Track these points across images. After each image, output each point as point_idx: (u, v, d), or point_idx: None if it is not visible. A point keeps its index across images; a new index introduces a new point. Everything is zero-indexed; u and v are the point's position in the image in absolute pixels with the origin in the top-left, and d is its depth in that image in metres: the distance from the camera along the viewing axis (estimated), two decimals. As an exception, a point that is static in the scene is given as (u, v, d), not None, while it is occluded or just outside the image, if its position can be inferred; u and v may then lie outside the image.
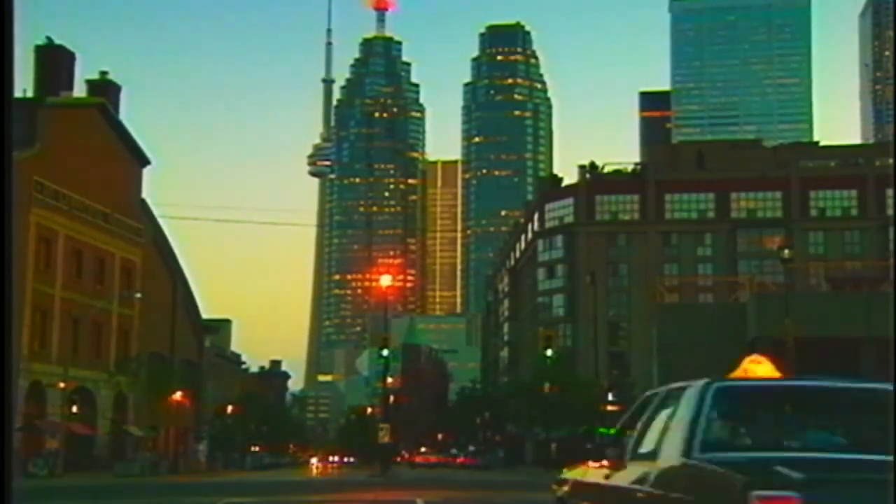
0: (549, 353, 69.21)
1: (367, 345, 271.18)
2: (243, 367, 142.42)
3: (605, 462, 7.67)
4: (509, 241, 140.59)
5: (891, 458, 5.60)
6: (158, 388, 64.27)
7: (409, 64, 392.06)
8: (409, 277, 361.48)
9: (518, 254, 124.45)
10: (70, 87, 62.87)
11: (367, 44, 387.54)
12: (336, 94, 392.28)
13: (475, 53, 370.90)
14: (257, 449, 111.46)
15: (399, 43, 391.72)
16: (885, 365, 44.79)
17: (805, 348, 41.59)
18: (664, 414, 6.91)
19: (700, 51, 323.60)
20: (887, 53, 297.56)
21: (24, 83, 59.79)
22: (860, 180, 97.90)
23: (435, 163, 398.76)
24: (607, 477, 7.50)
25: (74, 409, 57.13)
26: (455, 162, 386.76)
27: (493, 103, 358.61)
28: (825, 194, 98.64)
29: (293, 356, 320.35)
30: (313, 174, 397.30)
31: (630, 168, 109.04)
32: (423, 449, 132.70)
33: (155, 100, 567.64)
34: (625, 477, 6.97)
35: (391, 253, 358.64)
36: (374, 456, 74.42)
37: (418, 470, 78.02)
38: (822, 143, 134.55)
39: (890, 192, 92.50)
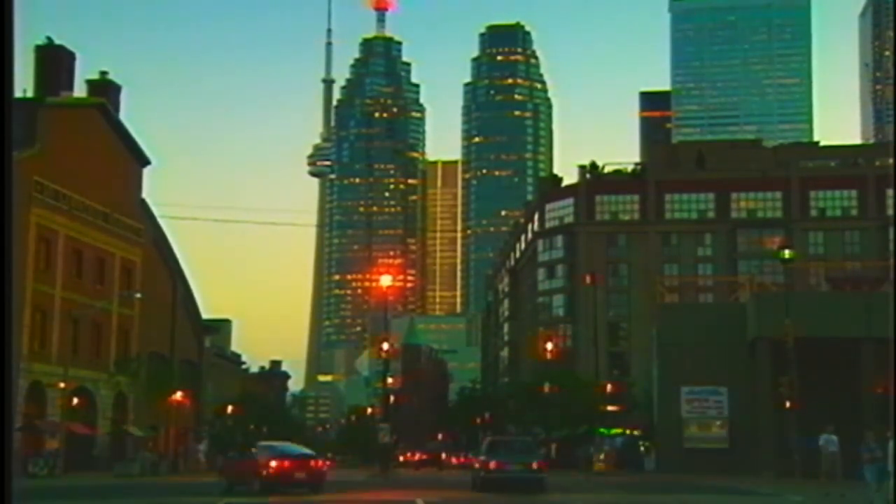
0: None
1: (367, 345, 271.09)
2: (243, 367, 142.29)
3: None
4: (509, 241, 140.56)
5: None
6: (158, 388, 64.22)
7: (409, 64, 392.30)
8: (409, 277, 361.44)
9: (518, 254, 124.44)
10: (70, 87, 62.76)
11: (367, 44, 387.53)
12: (336, 94, 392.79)
13: (475, 53, 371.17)
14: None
15: (399, 43, 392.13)
16: (885, 365, 44.84)
17: (805, 348, 41.60)
18: None
19: (700, 51, 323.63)
20: (887, 53, 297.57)
21: (24, 83, 59.74)
22: (860, 180, 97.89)
23: (435, 163, 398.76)
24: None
25: (74, 409, 57.09)
26: (455, 162, 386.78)
27: (493, 103, 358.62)
28: (825, 194, 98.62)
29: (293, 356, 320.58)
30: (313, 174, 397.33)
31: (630, 168, 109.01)
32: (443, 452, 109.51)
33: (155, 100, 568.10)
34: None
35: (391, 253, 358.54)
36: (373, 456, 74.33)
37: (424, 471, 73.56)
38: (822, 143, 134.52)
39: (890, 192, 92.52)
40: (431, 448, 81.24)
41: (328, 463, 32.49)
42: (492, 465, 29.75)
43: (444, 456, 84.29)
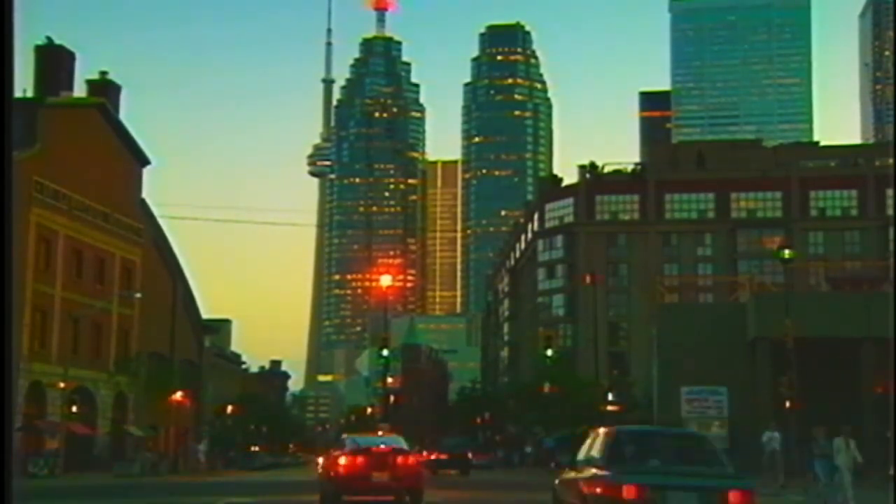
0: (549, 353, 69.19)
1: (367, 345, 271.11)
2: (243, 367, 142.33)
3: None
4: (509, 241, 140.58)
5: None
6: (158, 388, 64.25)
7: (409, 64, 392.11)
8: (409, 277, 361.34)
9: (518, 254, 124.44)
10: (70, 87, 62.76)
11: (367, 44, 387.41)
12: (336, 94, 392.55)
13: (475, 53, 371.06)
14: (257, 449, 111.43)
15: (399, 43, 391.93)
16: (885, 365, 44.83)
17: (805, 348, 41.58)
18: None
19: (700, 51, 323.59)
20: (887, 53, 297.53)
21: (24, 83, 59.73)
22: (860, 180, 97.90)
23: (435, 163, 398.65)
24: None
25: (74, 409, 57.08)
26: (455, 162, 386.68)
27: (493, 103, 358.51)
28: (825, 194, 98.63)
29: (293, 356, 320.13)
30: (313, 174, 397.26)
31: (630, 168, 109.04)
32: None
33: (155, 100, 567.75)
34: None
35: (391, 253, 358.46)
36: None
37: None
38: (822, 143, 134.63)
39: (890, 192, 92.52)
40: (453, 446, 61.78)
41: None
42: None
43: (471, 456, 64.40)
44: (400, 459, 22.14)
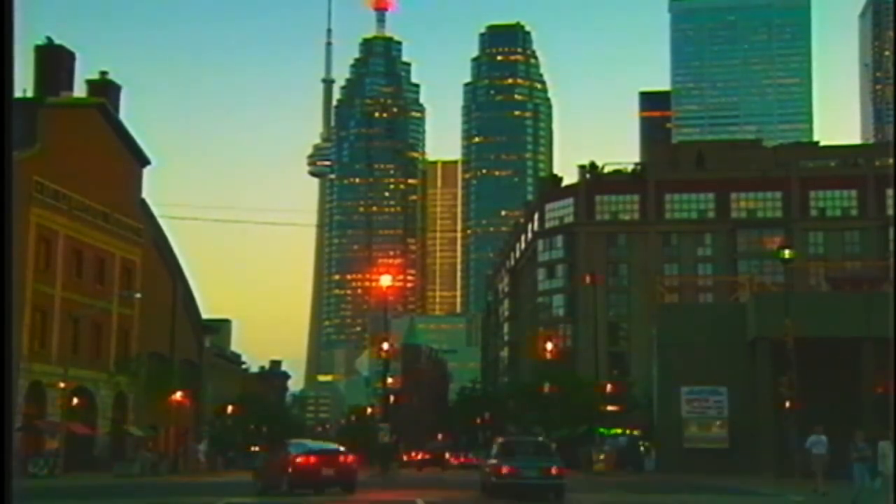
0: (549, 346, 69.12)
1: (367, 345, 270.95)
2: (243, 367, 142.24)
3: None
4: (509, 241, 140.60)
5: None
6: (158, 388, 64.17)
7: (409, 64, 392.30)
8: (409, 277, 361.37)
9: (518, 254, 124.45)
10: (70, 87, 62.73)
11: (367, 44, 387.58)
12: (336, 94, 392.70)
13: (475, 53, 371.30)
14: (257, 449, 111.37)
15: (399, 43, 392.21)
16: (885, 365, 44.84)
17: (805, 348, 41.62)
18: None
19: (700, 51, 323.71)
20: (887, 53, 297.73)
21: (24, 83, 59.66)
22: (860, 180, 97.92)
23: (435, 163, 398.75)
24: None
25: (74, 409, 57.06)
26: (455, 162, 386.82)
27: (493, 103, 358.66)
28: (825, 194, 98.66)
29: (293, 356, 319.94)
30: (313, 174, 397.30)
31: (630, 168, 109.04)
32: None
33: (155, 100, 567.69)
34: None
35: (391, 253, 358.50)
36: (373, 456, 74.31)
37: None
38: (822, 143, 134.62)
39: (890, 192, 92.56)
40: (434, 447, 75.72)
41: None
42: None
43: (447, 456, 77.88)
44: (342, 458, 28.85)
